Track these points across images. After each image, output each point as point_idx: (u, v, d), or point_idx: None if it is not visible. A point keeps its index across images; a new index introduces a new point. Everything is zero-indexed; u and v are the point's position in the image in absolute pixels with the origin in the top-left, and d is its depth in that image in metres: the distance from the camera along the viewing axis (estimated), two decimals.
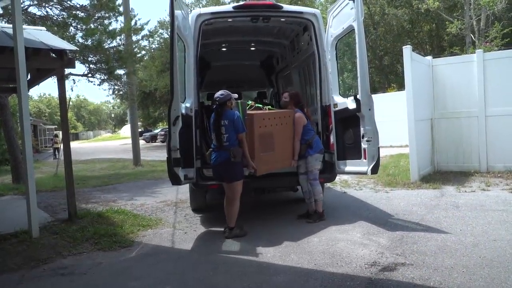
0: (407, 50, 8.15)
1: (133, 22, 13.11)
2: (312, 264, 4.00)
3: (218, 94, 5.04)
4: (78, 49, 9.60)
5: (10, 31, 5.71)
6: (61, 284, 3.84)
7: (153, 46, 26.61)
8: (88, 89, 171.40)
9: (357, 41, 5.13)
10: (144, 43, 23.57)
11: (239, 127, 4.92)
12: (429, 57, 9.29)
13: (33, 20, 10.54)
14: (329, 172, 5.87)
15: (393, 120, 13.77)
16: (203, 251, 4.60)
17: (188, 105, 5.20)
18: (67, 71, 9.19)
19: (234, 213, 5.04)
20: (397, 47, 25.64)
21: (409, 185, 7.82)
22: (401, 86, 20.90)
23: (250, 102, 6.18)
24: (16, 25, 5.14)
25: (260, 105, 6.15)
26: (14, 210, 7.28)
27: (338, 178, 8.02)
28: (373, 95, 5.34)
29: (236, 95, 5.25)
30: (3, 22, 9.69)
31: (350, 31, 5.43)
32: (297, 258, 4.19)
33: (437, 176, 8.47)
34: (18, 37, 5.15)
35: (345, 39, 5.81)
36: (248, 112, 5.37)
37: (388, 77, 29.84)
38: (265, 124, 5.26)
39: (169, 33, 6.71)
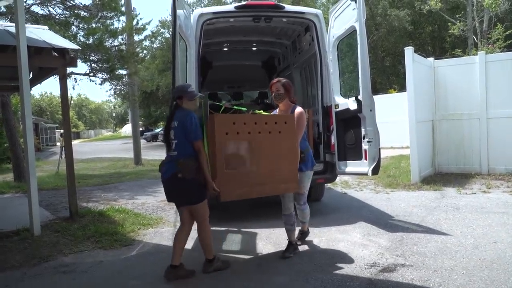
0: (408, 51, 8.15)
1: (135, 22, 13.15)
2: (312, 264, 4.01)
3: None
4: (80, 48, 9.63)
5: (13, 29, 5.73)
6: (62, 282, 3.85)
7: (155, 45, 26.72)
8: (90, 88, 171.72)
9: (358, 42, 5.14)
10: (146, 43, 23.66)
11: (191, 132, 3.61)
12: (431, 59, 9.29)
13: (36, 19, 10.57)
14: (329, 172, 5.88)
15: (394, 121, 13.78)
16: None
17: None
18: (69, 70, 9.23)
19: (208, 242, 3.89)
20: (399, 48, 25.66)
21: (410, 186, 7.83)
22: (402, 87, 20.87)
23: (224, 102, 5.40)
24: (18, 23, 5.16)
25: (244, 109, 4.86)
26: (15, 208, 7.31)
27: (339, 178, 8.02)
28: (374, 96, 5.35)
29: (200, 94, 4.15)
30: (6, 20, 9.71)
31: (351, 32, 5.44)
32: (297, 258, 4.20)
33: (438, 177, 8.48)
34: (21, 35, 5.16)
35: (347, 40, 5.82)
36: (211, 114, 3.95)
37: (390, 78, 29.87)
38: (235, 130, 3.83)
39: (170, 33, 6.71)
